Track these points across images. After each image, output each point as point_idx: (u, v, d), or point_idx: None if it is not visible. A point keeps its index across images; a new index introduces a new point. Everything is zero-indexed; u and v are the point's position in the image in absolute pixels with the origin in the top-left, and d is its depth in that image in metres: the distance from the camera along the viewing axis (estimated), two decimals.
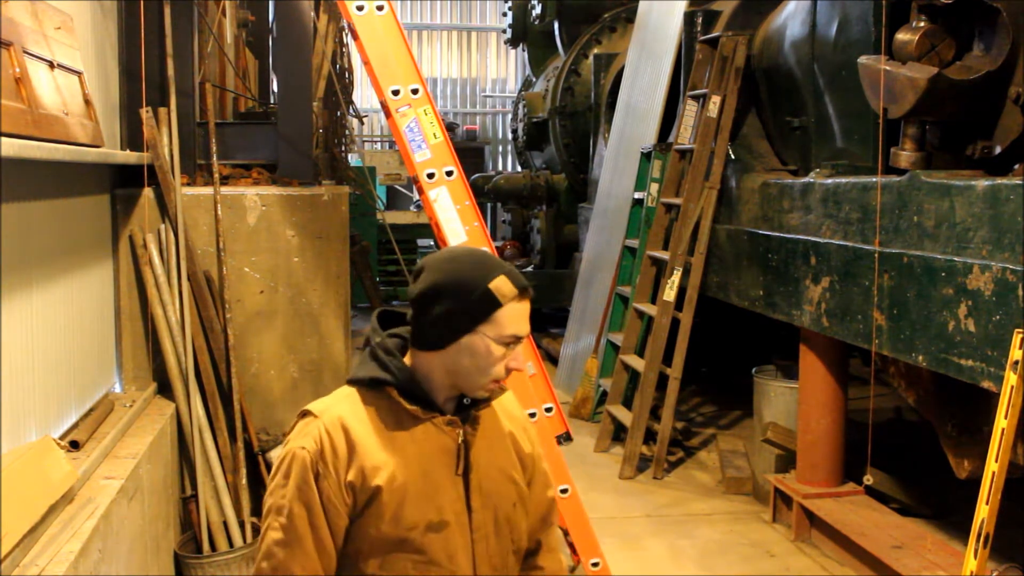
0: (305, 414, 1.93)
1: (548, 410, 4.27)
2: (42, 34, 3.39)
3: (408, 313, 2.00)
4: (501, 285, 1.88)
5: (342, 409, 1.91)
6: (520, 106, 12.00)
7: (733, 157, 5.98)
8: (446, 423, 1.94)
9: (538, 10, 11.53)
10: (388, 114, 4.13)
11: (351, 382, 1.97)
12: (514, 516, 2.02)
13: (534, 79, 12.31)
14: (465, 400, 1.98)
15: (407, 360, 1.96)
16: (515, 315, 1.90)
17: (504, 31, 12.75)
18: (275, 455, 4.71)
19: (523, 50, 12.85)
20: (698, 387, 8.04)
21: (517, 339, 1.91)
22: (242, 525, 4.46)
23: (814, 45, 5.15)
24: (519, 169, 13.46)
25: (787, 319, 5.10)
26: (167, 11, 4.72)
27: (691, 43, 6.57)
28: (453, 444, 1.94)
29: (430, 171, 4.11)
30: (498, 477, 2.00)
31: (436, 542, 1.89)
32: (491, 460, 2.00)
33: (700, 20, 6.54)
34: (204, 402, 4.54)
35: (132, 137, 4.76)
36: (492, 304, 1.88)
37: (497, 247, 10.20)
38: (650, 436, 6.27)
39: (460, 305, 1.87)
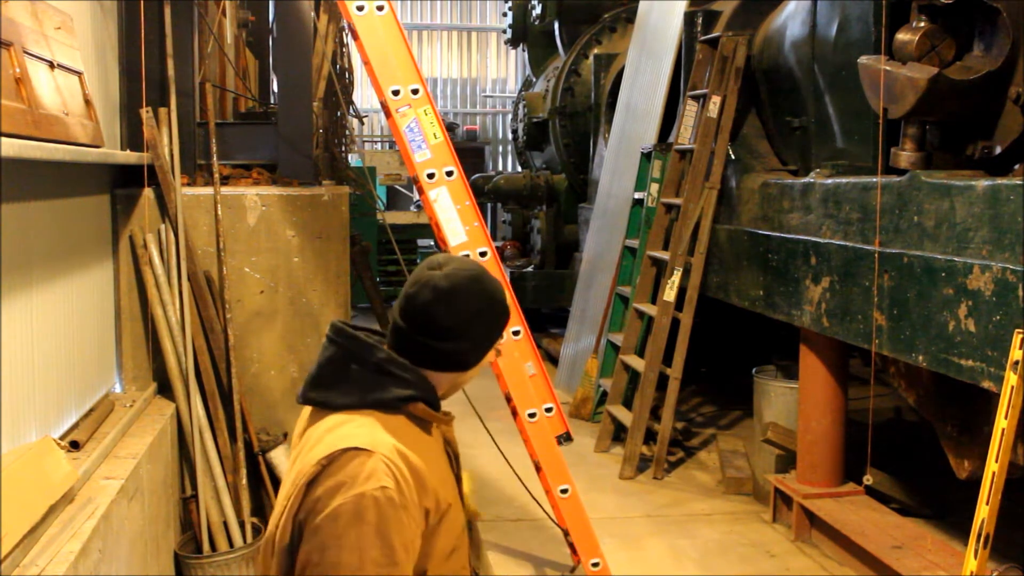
0: (349, 451, 1.69)
1: (548, 410, 4.27)
2: (42, 34, 3.39)
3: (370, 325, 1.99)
4: (508, 298, 1.96)
5: (387, 437, 1.73)
6: (520, 106, 12.00)
7: (733, 157, 5.98)
8: (435, 426, 1.91)
9: (538, 10, 11.53)
10: (388, 114, 4.13)
11: (364, 407, 1.78)
12: None
13: (534, 79, 12.31)
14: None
15: None
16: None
17: (504, 31, 12.74)
18: (276, 456, 4.72)
19: (523, 50, 12.84)
20: (698, 387, 8.04)
21: None
22: (242, 525, 4.46)
23: (814, 45, 5.15)
24: (519, 169, 13.45)
25: (787, 319, 5.10)
26: (167, 11, 4.72)
27: (691, 43, 6.56)
28: (443, 444, 1.93)
29: (430, 171, 4.11)
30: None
31: (465, 541, 1.89)
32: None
33: (700, 20, 6.54)
34: (204, 402, 4.54)
35: (132, 137, 4.76)
36: (505, 315, 1.93)
37: (497, 247, 10.20)
38: (650, 436, 6.27)
39: (497, 327, 1.90)
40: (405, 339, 1.84)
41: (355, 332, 1.84)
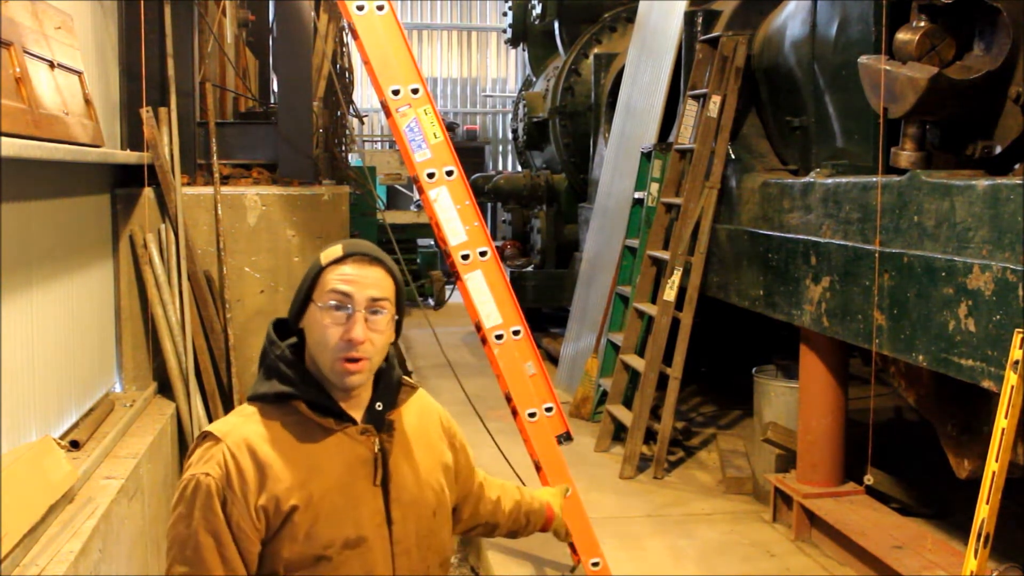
0: (205, 436, 1.81)
1: (548, 410, 4.28)
2: (42, 34, 3.39)
3: None
4: (331, 251, 1.85)
5: (246, 430, 1.80)
6: (520, 106, 12.00)
7: (733, 157, 5.97)
8: (360, 432, 1.84)
9: (538, 10, 11.53)
10: (388, 114, 4.13)
11: (253, 399, 1.86)
12: (434, 525, 1.93)
13: (534, 79, 12.31)
14: (377, 406, 1.88)
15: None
16: (339, 275, 1.81)
17: (504, 31, 12.74)
18: None
19: (523, 50, 12.84)
20: (698, 387, 8.03)
21: (342, 297, 1.80)
22: None
23: (814, 45, 5.15)
24: (519, 169, 13.45)
25: (787, 319, 5.10)
26: (167, 11, 4.72)
27: (691, 43, 6.56)
28: (369, 454, 1.84)
29: (430, 171, 4.11)
30: (418, 485, 1.91)
31: (353, 559, 1.79)
32: (410, 468, 1.91)
33: (700, 20, 6.53)
34: (204, 402, 4.54)
35: (132, 137, 4.76)
36: (315, 267, 1.84)
37: (497, 247, 10.20)
38: (650, 436, 6.27)
39: (303, 280, 1.86)
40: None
41: (273, 332, 1.89)
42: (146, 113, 4.56)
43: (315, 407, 1.82)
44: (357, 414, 1.86)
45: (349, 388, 1.82)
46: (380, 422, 1.87)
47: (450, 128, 16.97)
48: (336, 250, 1.84)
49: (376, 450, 1.84)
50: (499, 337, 4.19)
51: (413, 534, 1.87)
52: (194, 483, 1.75)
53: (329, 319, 1.79)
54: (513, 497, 2.28)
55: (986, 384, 3.50)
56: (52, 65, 3.44)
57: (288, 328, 1.91)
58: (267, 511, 1.75)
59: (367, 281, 1.81)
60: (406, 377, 1.99)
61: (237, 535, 1.73)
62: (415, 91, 4.10)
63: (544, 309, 10.74)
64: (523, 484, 4.61)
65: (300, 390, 1.81)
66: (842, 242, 4.52)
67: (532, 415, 4.22)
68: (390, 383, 1.92)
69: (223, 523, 1.73)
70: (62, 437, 3.57)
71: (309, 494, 1.76)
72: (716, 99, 5.91)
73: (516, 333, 4.23)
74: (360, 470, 1.83)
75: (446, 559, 1.97)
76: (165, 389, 4.63)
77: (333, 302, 1.79)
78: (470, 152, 17.71)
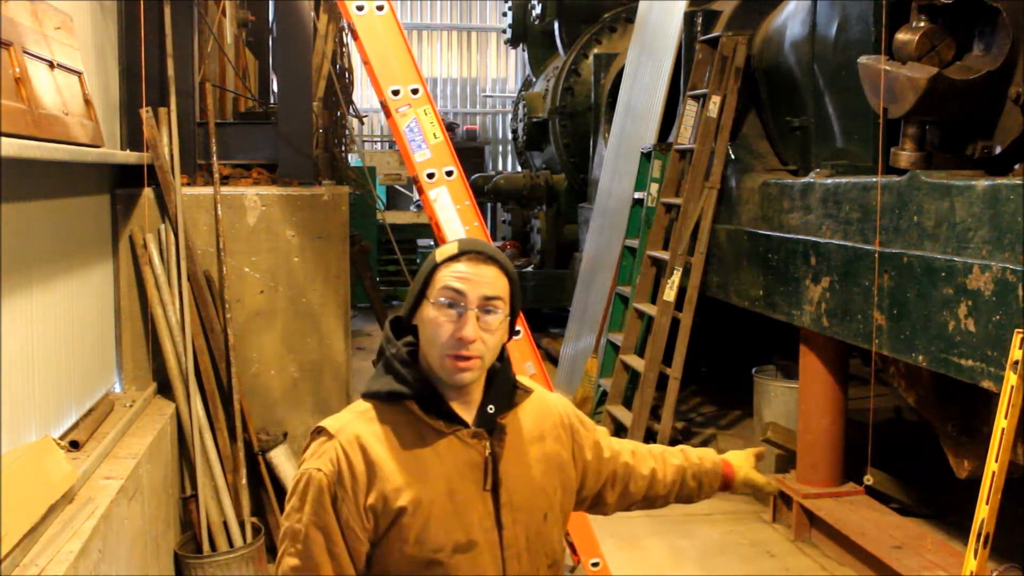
0: (320, 431, 1.83)
1: None
2: (42, 34, 3.39)
3: None
4: (445, 249, 1.84)
5: (359, 427, 1.80)
6: (520, 106, 12.00)
7: (733, 157, 5.98)
8: (471, 435, 1.83)
9: (538, 10, 11.54)
10: (388, 114, 4.13)
11: (367, 396, 1.87)
12: (545, 529, 1.91)
13: (534, 79, 12.31)
14: (489, 408, 1.86)
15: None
16: (452, 273, 1.80)
17: (504, 31, 12.75)
18: (275, 456, 4.73)
19: (523, 50, 12.85)
20: (698, 387, 8.03)
21: (455, 295, 1.78)
22: (242, 525, 4.46)
23: (814, 45, 5.15)
24: (519, 169, 13.45)
25: (787, 319, 5.10)
26: (167, 11, 4.72)
27: (691, 43, 6.57)
28: (480, 458, 1.83)
29: (430, 171, 4.11)
30: (529, 489, 1.89)
31: (464, 563, 1.79)
32: (522, 471, 1.89)
33: (700, 20, 6.54)
34: (204, 402, 4.54)
35: (132, 137, 4.76)
36: (431, 265, 1.84)
37: (497, 247, 10.17)
38: (650, 436, 6.26)
39: (416, 277, 1.86)
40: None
41: (389, 329, 1.89)
42: (146, 113, 4.56)
43: (426, 408, 1.82)
44: (469, 416, 1.85)
45: (459, 385, 1.82)
46: (491, 425, 1.85)
47: (450, 128, 16.97)
48: (451, 247, 1.83)
49: (487, 454, 1.83)
50: None
51: (523, 538, 1.86)
52: (306, 478, 1.77)
53: (443, 316, 1.78)
54: (674, 464, 2.20)
55: (986, 384, 3.50)
56: (52, 65, 3.44)
57: (403, 326, 1.90)
58: (376, 511, 1.76)
59: (481, 279, 1.80)
60: (521, 379, 1.96)
61: (346, 532, 1.75)
62: (415, 91, 4.10)
63: (544, 309, 10.74)
64: None
65: (413, 390, 1.81)
66: (842, 242, 4.52)
67: None
68: (503, 385, 1.90)
69: (333, 520, 1.75)
70: (62, 437, 3.57)
71: (418, 497, 1.77)
72: (716, 99, 5.91)
73: (516, 333, 4.22)
74: (469, 474, 1.82)
75: (556, 560, 1.95)
76: (165, 389, 4.63)
77: (445, 299, 1.78)
78: (470, 152, 17.70)
